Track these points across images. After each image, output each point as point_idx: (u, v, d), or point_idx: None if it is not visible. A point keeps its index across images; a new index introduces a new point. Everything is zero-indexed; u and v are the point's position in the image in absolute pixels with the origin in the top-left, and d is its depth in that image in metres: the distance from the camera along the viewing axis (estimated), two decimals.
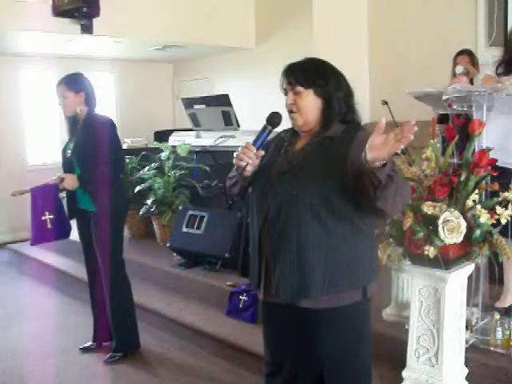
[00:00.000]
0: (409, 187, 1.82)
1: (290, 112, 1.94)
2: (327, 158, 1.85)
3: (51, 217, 3.38)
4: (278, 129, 2.04)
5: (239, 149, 1.91)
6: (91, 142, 3.31)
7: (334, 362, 1.92)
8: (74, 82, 3.39)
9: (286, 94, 1.95)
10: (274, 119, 1.96)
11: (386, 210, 1.72)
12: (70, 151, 3.42)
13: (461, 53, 4.40)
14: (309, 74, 1.91)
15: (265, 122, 1.97)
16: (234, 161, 1.92)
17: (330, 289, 1.84)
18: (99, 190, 3.31)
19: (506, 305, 3.08)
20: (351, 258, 1.86)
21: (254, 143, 1.92)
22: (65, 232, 3.48)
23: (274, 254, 1.88)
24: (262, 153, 1.92)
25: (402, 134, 1.56)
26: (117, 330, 3.50)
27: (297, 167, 1.89)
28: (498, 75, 3.00)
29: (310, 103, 1.90)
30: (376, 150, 1.60)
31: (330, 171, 1.81)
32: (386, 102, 3.86)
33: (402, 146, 1.58)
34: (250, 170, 1.92)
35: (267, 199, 1.90)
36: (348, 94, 1.96)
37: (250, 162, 1.89)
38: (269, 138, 1.98)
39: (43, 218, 3.37)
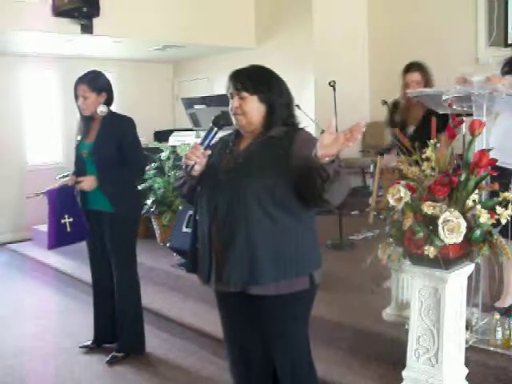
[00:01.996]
0: (349, 180, 1.97)
1: (235, 114, 2.09)
2: (270, 155, 2.01)
3: (71, 220, 3.33)
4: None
5: (187, 149, 2.06)
6: (113, 142, 3.26)
7: (280, 347, 2.11)
8: (95, 82, 3.32)
9: (231, 98, 2.11)
10: (219, 120, 2.12)
11: (331, 201, 1.89)
12: (85, 150, 3.33)
13: (409, 69, 3.76)
14: (254, 81, 2.07)
15: (211, 123, 2.12)
16: (183, 160, 2.07)
17: (277, 276, 1.99)
18: (119, 192, 3.27)
19: (506, 305, 3.09)
20: (297, 246, 2.01)
21: (202, 143, 2.07)
22: (82, 234, 3.41)
23: (224, 247, 2.02)
24: (209, 152, 2.07)
25: (350, 133, 1.74)
26: (124, 331, 3.46)
27: (242, 164, 2.04)
28: (502, 74, 3.02)
29: (254, 108, 2.06)
30: (326, 147, 1.77)
31: (274, 167, 1.98)
32: (385, 102, 3.87)
33: (351, 145, 1.75)
34: (197, 169, 2.06)
35: (215, 196, 2.04)
36: (288, 100, 2.13)
37: (198, 161, 2.04)
38: (215, 138, 2.12)
39: (63, 222, 3.31)
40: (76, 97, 3.34)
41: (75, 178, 3.34)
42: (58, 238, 3.37)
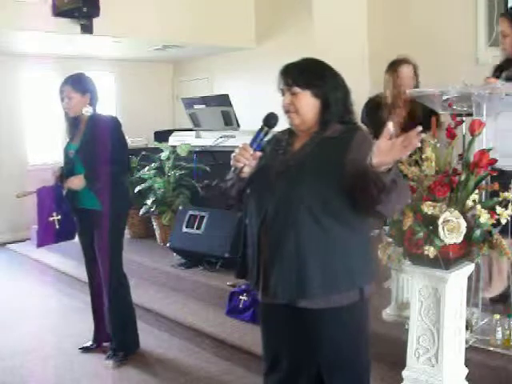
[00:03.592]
0: (408, 191, 1.85)
1: (287, 112, 1.94)
2: (326, 158, 1.86)
3: (59, 217, 3.37)
4: (276, 128, 2.04)
5: (236, 150, 1.91)
6: (97, 141, 3.29)
7: (332, 362, 1.93)
8: (79, 83, 3.39)
9: (283, 95, 1.96)
10: (270, 120, 1.96)
11: (384, 213, 1.76)
12: (72, 151, 3.40)
13: (400, 63, 3.71)
14: (306, 74, 1.91)
15: (261, 123, 1.97)
16: (231, 162, 1.92)
17: (327, 289, 1.85)
18: (105, 189, 3.30)
19: (495, 293, 3.09)
20: (348, 258, 1.87)
21: (251, 144, 1.92)
22: (71, 233, 3.47)
23: (272, 255, 1.89)
24: (259, 154, 1.92)
25: (408, 140, 1.59)
26: (116, 330, 3.50)
27: (295, 167, 1.89)
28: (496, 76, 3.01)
29: (308, 104, 1.91)
30: (382, 155, 1.62)
31: (328, 172, 1.82)
32: None
33: (408, 153, 1.62)
34: (247, 171, 1.92)
35: (265, 200, 1.91)
36: (345, 95, 1.96)
37: (246, 163, 1.89)
38: (266, 138, 1.98)
39: (51, 219, 3.36)
40: (62, 99, 3.40)
41: (60, 171, 3.40)
42: (47, 236, 3.39)
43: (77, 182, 3.31)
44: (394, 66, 3.74)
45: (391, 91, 3.74)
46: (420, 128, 1.58)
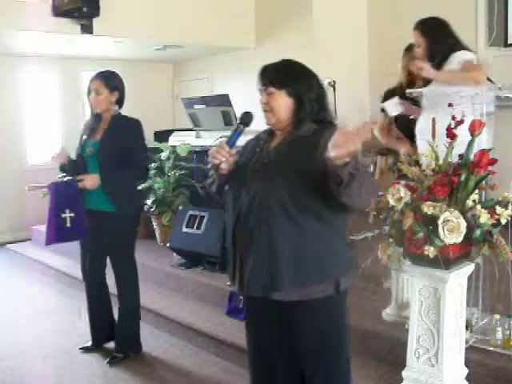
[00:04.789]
0: (373, 182, 1.92)
1: (264, 111, 2.03)
2: (298, 156, 1.93)
3: (72, 215, 3.23)
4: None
5: (213, 148, 2.01)
6: (118, 142, 3.25)
7: (309, 353, 2.02)
8: (110, 80, 3.34)
9: (260, 94, 2.05)
10: (245, 119, 2.07)
11: (351, 206, 1.82)
12: (90, 148, 3.31)
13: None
14: (281, 75, 2.00)
15: (237, 122, 2.07)
16: (209, 159, 2.02)
17: (299, 281, 1.91)
18: (120, 192, 3.26)
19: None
20: (321, 252, 1.93)
21: (227, 142, 2.01)
22: (82, 233, 3.33)
23: (246, 249, 1.96)
24: (235, 151, 2.01)
25: (360, 133, 1.67)
26: (122, 331, 3.48)
27: (268, 165, 1.97)
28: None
29: (282, 103, 1.99)
30: (337, 148, 1.69)
31: (300, 169, 1.89)
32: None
33: (359, 145, 1.68)
34: (224, 167, 2.00)
35: (240, 197, 1.98)
36: (320, 95, 2.03)
37: (223, 159, 1.98)
38: (241, 136, 2.06)
39: (63, 216, 3.22)
40: (89, 92, 3.34)
41: (63, 155, 3.30)
42: (57, 234, 3.26)
43: (91, 182, 3.22)
44: (409, 49, 3.82)
45: (405, 74, 3.76)
46: (370, 122, 1.73)
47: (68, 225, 3.24)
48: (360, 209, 1.88)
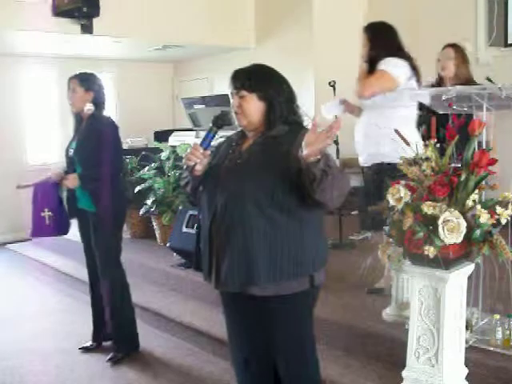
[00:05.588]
0: (346, 179, 1.96)
1: (235, 113, 2.10)
2: (270, 155, 2.00)
3: (50, 214, 3.42)
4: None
5: (188, 149, 2.06)
6: (93, 141, 3.32)
7: (282, 347, 2.10)
8: (86, 80, 3.43)
9: (232, 98, 2.12)
10: (218, 120, 2.12)
11: (325, 202, 1.89)
12: (72, 150, 3.43)
13: (445, 46, 4.14)
14: (253, 79, 2.08)
15: (210, 124, 2.12)
16: (183, 161, 2.08)
17: (275, 276, 1.98)
18: (98, 190, 3.31)
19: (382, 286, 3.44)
20: (296, 247, 2.00)
21: (202, 144, 2.06)
22: (63, 229, 3.51)
23: (222, 247, 2.02)
24: (208, 153, 2.08)
25: (330, 130, 1.76)
26: (116, 330, 3.50)
27: (242, 165, 2.04)
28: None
29: (254, 106, 2.07)
30: (309, 146, 1.78)
31: (273, 168, 1.96)
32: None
33: (330, 142, 1.77)
34: (199, 169, 2.06)
35: (216, 196, 2.04)
36: (289, 98, 2.12)
37: (197, 161, 2.04)
38: (215, 138, 2.12)
39: (42, 215, 3.42)
40: (68, 90, 3.45)
41: (61, 174, 3.43)
42: (39, 229, 3.47)
43: (71, 181, 3.33)
44: (444, 49, 4.05)
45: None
46: (341, 119, 1.80)
47: (47, 222, 3.44)
48: (333, 204, 1.94)
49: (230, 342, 2.28)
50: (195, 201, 2.24)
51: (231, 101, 2.13)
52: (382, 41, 3.43)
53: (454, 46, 4.04)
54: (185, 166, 2.10)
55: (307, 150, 1.78)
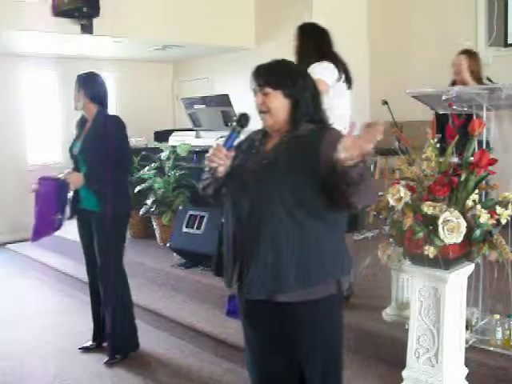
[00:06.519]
0: (373, 188, 1.90)
1: (260, 112, 1.99)
2: (297, 156, 1.91)
3: (60, 217, 3.30)
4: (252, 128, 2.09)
5: (210, 150, 1.96)
6: (100, 141, 3.29)
7: (310, 351, 1.98)
8: (81, 79, 3.43)
9: (255, 95, 2.00)
10: (242, 120, 2.02)
11: (358, 205, 1.81)
12: (76, 149, 3.40)
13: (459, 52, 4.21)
14: (277, 75, 1.97)
15: (234, 123, 2.02)
16: (206, 162, 1.96)
17: (303, 282, 1.89)
18: (104, 191, 3.28)
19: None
20: (324, 251, 1.92)
21: (224, 144, 1.96)
22: (59, 228, 3.40)
23: (248, 251, 1.93)
24: (232, 153, 1.97)
25: (370, 135, 1.66)
26: (115, 330, 3.49)
27: (267, 166, 1.94)
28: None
29: (279, 104, 1.96)
30: (348, 150, 1.68)
31: (300, 168, 1.88)
32: (386, 102, 3.87)
33: (371, 146, 1.66)
34: (221, 170, 1.97)
35: (240, 199, 1.95)
36: (315, 95, 2.02)
37: (220, 163, 1.94)
38: (239, 138, 2.03)
39: (53, 218, 3.29)
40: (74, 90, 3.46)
41: (68, 173, 3.37)
42: (44, 232, 3.35)
43: (75, 180, 3.28)
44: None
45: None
46: (381, 122, 1.68)
47: (55, 226, 3.33)
48: (359, 207, 1.88)
49: (251, 350, 2.14)
50: (217, 203, 2.12)
51: (254, 98, 2.01)
52: (311, 42, 3.50)
53: (466, 52, 4.18)
54: (206, 168, 1.99)
55: (345, 153, 1.68)
